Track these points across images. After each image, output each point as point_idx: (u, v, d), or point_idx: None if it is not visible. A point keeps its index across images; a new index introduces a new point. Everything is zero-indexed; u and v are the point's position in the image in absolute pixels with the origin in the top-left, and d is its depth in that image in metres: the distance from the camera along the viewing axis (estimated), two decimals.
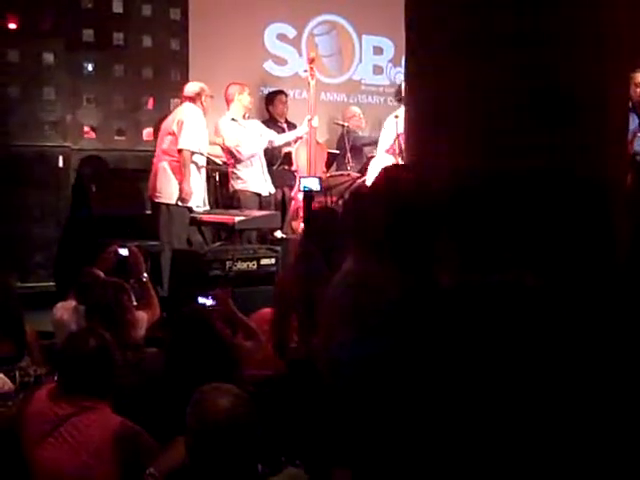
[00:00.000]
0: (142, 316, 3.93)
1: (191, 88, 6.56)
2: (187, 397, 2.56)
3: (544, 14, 2.71)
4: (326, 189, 6.59)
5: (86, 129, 7.42)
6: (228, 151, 6.87)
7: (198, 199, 6.47)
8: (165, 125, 6.53)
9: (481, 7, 2.75)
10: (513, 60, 2.72)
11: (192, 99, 6.48)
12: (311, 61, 7.27)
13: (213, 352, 2.94)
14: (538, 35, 2.71)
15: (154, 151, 6.68)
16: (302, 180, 5.52)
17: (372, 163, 7.24)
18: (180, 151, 6.31)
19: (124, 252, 4.35)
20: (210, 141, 6.75)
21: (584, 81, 2.76)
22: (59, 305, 4.11)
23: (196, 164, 6.45)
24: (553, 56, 2.72)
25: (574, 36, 2.73)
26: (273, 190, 7.09)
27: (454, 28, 2.81)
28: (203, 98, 6.50)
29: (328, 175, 7.15)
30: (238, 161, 6.85)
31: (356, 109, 8.00)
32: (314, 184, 5.13)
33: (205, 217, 6.51)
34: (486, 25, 2.74)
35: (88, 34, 7.39)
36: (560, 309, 1.66)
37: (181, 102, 6.66)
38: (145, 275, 4.30)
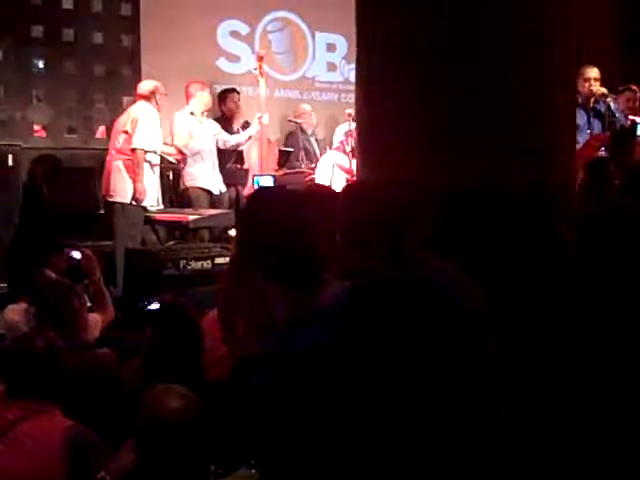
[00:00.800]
0: (95, 318, 3.89)
1: (145, 87, 6.52)
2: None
3: (481, 16, 2.73)
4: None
5: (36, 127, 7.31)
6: (177, 148, 6.85)
7: (152, 198, 6.43)
8: (119, 123, 6.47)
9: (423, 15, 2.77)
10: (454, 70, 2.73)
11: (147, 98, 6.44)
12: (260, 59, 7.26)
13: (192, 347, 2.94)
14: (477, 41, 2.73)
15: (107, 149, 6.62)
16: (256, 178, 5.52)
17: (321, 159, 7.28)
18: (134, 150, 6.26)
19: (77, 255, 4.30)
20: (164, 139, 6.72)
21: (527, 87, 2.78)
22: (10, 307, 4.07)
23: (150, 163, 6.41)
24: (495, 63, 2.75)
25: (511, 37, 2.76)
26: (224, 189, 7.08)
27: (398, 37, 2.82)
28: (158, 97, 6.47)
29: (282, 173, 7.16)
30: (184, 159, 6.83)
31: (306, 106, 7.99)
32: (268, 182, 5.14)
33: (159, 216, 6.47)
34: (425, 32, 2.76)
35: (37, 30, 7.27)
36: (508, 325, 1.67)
37: (135, 100, 6.61)
38: (99, 277, 4.26)
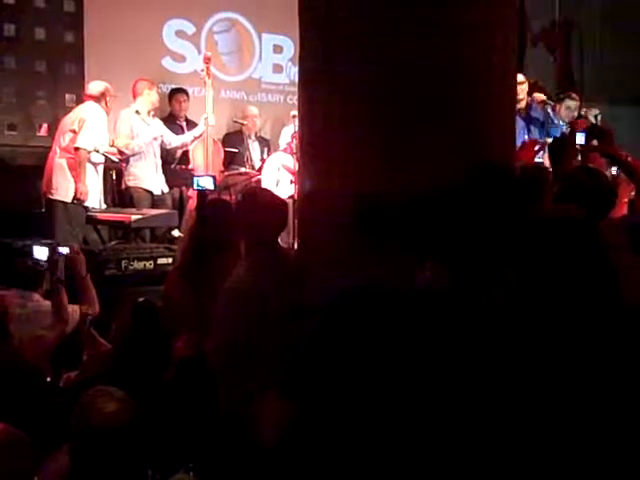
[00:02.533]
0: (74, 309, 3.91)
1: (96, 87, 6.47)
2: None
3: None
4: (224, 187, 6.58)
5: None
6: (117, 148, 6.79)
7: (94, 199, 6.39)
8: (65, 122, 6.41)
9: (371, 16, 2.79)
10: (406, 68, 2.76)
11: (96, 99, 6.40)
12: (207, 60, 7.22)
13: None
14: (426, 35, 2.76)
15: (49, 147, 6.52)
16: (196, 179, 5.48)
17: (267, 161, 7.28)
18: (77, 149, 6.21)
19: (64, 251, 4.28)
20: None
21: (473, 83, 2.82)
22: None
23: (93, 163, 6.36)
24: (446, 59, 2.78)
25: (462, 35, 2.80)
26: (167, 189, 7.04)
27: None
28: (108, 98, 6.44)
29: (226, 173, 7.13)
30: (126, 158, 6.77)
31: (254, 109, 7.96)
32: (208, 183, 5.10)
33: (101, 215, 6.41)
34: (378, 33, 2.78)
35: None
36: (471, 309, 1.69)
37: (83, 100, 6.55)
38: (86, 273, 4.25)
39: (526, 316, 1.64)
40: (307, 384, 1.65)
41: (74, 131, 6.24)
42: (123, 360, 3.07)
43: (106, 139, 6.48)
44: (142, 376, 2.93)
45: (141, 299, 3.45)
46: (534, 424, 1.54)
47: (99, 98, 6.40)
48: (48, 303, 4.12)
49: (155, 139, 6.91)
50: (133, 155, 6.78)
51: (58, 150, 6.32)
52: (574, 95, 7.20)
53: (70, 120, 6.35)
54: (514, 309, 1.67)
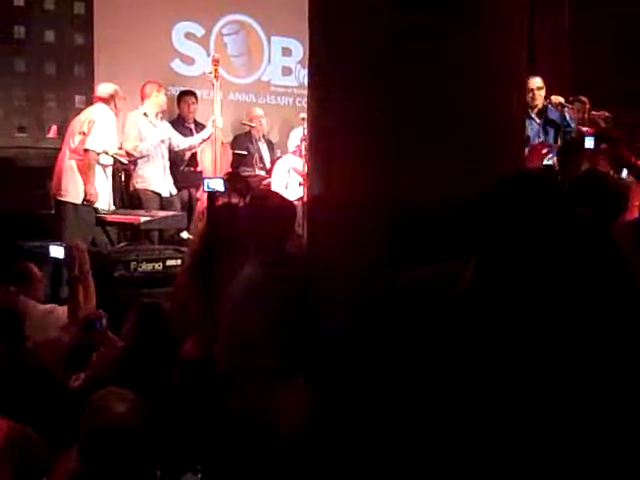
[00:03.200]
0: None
1: (105, 89, 6.48)
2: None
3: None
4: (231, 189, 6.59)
5: None
6: (125, 151, 6.81)
7: (103, 201, 6.40)
8: (75, 124, 6.41)
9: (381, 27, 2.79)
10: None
11: (105, 100, 6.41)
12: (216, 62, 7.24)
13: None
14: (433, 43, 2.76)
15: (59, 149, 6.54)
16: (206, 181, 5.51)
17: (277, 163, 7.29)
18: (86, 151, 6.23)
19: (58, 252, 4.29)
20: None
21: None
22: None
23: (102, 165, 6.37)
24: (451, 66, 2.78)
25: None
26: (175, 191, 7.05)
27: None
28: (117, 100, 6.45)
29: (229, 175, 7.13)
30: (134, 160, 6.79)
31: (259, 110, 7.96)
32: (218, 185, 5.11)
33: (110, 217, 6.42)
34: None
35: None
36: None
37: (93, 102, 6.56)
38: (88, 269, 4.25)
39: (547, 321, 1.63)
40: (336, 380, 1.65)
41: (83, 133, 6.26)
42: (129, 361, 3.08)
43: (115, 141, 6.50)
44: (149, 376, 2.94)
45: (147, 300, 3.46)
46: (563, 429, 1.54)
47: (108, 100, 6.41)
48: (50, 306, 4.13)
49: (163, 141, 6.92)
50: (141, 157, 6.80)
51: (68, 152, 6.34)
52: (583, 98, 7.19)
53: (79, 122, 6.36)
54: (536, 315, 1.65)
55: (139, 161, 6.81)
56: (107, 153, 6.38)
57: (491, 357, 1.57)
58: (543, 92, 6.83)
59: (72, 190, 6.25)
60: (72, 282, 4.11)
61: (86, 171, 6.21)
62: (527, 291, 1.59)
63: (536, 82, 6.75)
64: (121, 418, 2.05)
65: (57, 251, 4.34)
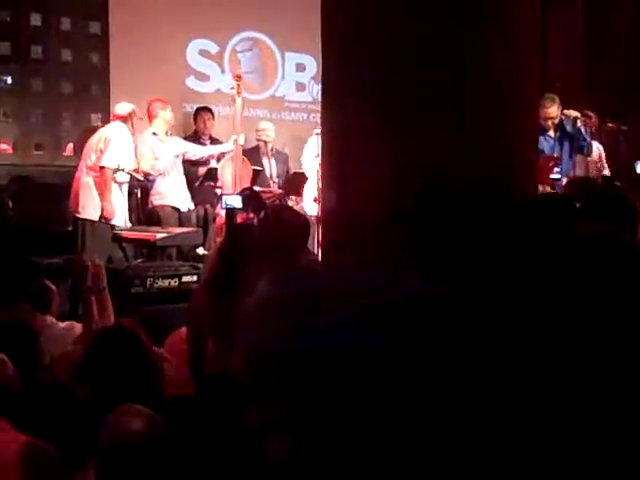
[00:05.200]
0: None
1: (123, 109, 6.54)
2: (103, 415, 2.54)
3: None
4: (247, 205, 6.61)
5: (4, 146, 7.27)
6: (144, 172, 6.84)
7: (120, 218, 6.43)
8: (92, 141, 6.45)
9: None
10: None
11: (123, 119, 6.48)
12: (237, 78, 7.28)
13: (140, 369, 2.91)
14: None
15: (75, 166, 6.59)
16: (224, 198, 5.54)
17: (306, 186, 7.24)
18: (102, 168, 6.27)
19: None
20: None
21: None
22: None
23: (119, 183, 6.41)
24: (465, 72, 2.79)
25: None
26: (192, 206, 7.08)
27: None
28: (134, 120, 6.51)
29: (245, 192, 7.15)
30: (151, 180, 6.83)
31: (265, 124, 7.92)
32: (236, 201, 5.16)
33: (126, 234, 6.45)
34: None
35: (4, 47, 7.28)
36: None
37: (110, 120, 6.62)
38: (104, 286, 4.27)
39: (570, 333, 1.63)
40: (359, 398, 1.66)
41: (100, 150, 6.30)
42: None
43: (132, 158, 6.53)
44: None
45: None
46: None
47: (126, 118, 6.47)
48: (68, 323, 4.15)
49: (177, 156, 6.96)
50: (159, 176, 6.83)
51: (85, 169, 6.38)
52: (590, 113, 7.17)
53: (96, 140, 6.41)
54: (558, 326, 1.65)
55: (157, 178, 6.84)
56: (123, 170, 6.42)
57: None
58: (555, 108, 6.81)
59: (89, 207, 6.29)
60: (84, 294, 4.13)
61: (103, 188, 6.26)
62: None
63: (547, 99, 6.73)
64: (137, 434, 2.05)
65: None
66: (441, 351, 1.60)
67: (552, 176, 6.19)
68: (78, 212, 6.34)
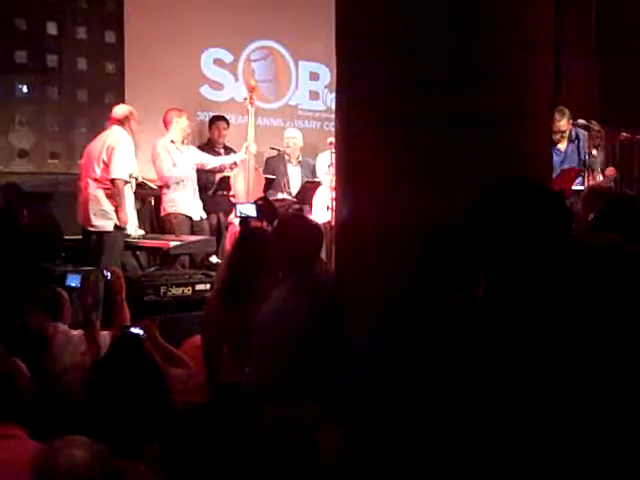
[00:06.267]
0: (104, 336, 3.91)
1: (120, 111, 6.40)
2: (114, 424, 2.54)
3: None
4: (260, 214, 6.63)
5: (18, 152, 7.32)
6: (159, 172, 6.84)
7: (131, 226, 6.39)
8: (92, 151, 6.30)
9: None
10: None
11: (120, 122, 6.32)
12: (252, 89, 7.31)
13: (145, 378, 2.91)
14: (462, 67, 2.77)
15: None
16: (238, 206, 5.56)
17: (316, 195, 7.27)
18: (113, 180, 6.16)
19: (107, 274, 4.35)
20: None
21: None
22: None
23: (127, 191, 6.35)
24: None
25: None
26: (204, 215, 7.09)
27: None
28: (132, 122, 6.36)
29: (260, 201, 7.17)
30: (166, 184, 6.84)
31: (292, 132, 7.96)
32: (250, 210, 5.17)
33: (140, 242, 6.46)
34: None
35: (21, 55, 7.32)
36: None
37: (109, 125, 6.44)
38: (122, 297, 4.28)
39: (575, 343, 1.62)
40: (368, 413, 1.65)
41: (104, 162, 6.17)
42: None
43: (135, 164, 6.40)
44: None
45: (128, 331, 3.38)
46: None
47: (123, 121, 6.32)
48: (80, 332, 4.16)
49: (195, 166, 6.99)
50: (176, 182, 6.84)
51: (91, 182, 6.24)
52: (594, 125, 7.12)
53: (97, 149, 6.26)
54: (563, 337, 1.65)
55: (172, 186, 6.86)
56: (137, 179, 6.42)
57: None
58: (565, 121, 6.80)
59: (100, 219, 6.22)
60: (86, 311, 4.15)
61: (117, 199, 6.17)
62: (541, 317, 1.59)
63: (557, 112, 6.71)
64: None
65: (74, 280, 4.37)
66: (456, 368, 1.59)
67: (574, 187, 6.17)
68: (91, 225, 6.24)
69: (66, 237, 6.68)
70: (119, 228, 6.23)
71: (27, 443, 2.57)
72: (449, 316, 1.69)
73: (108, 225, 6.21)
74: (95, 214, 6.24)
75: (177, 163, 6.85)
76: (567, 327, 1.62)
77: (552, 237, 1.63)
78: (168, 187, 6.85)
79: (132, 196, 6.46)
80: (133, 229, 6.44)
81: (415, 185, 2.73)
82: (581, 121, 6.92)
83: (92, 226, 6.26)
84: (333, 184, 6.31)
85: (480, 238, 1.68)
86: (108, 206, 6.22)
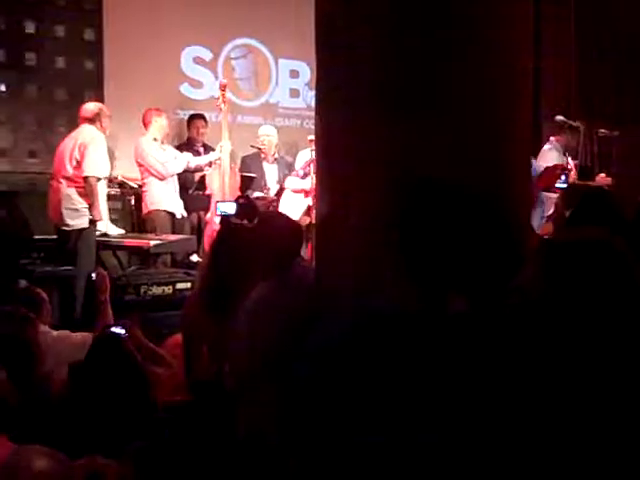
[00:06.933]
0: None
1: (90, 108, 6.30)
2: (96, 424, 2.54)
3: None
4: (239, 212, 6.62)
5: None
6: (153, 167, 6.81)
7: (105, 224, 6.34)
8: (64, 149, 6.21)
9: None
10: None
11: (91, 120, 6.22)
12: (223, 87, 7.29)
13: (126, 378, 2.92)
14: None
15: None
16: (218, 205, 5.55)
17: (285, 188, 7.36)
18: (86, 178, 6.08)
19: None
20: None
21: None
22: None
23: (101, 189, 6.26)
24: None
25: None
26: (185, 213, 7.09)
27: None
28: (102, 119, 6.27)
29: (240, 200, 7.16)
30: (161, 178, 6.82)
31: (266, 129, 7.91)
32: (230, 208, 5.16)
33: (120, 241, 6.43)
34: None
35: None
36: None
37: (80, 123, 6.32)
38: (106, 297, 4.27)
39: (552, 338, 1.64)
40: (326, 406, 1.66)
41: (76, 159, 6.10)
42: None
43: (108, 162, 6.33)
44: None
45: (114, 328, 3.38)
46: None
47: (94, 119, 6.22)
48: (62, 332, 4.14)
49: (175, 158, 6.98)
50: (170, 176, 6.85)
51: (63, 181, 6.17)
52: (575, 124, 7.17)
53: (69, 148, 6.17)
54: (540, 332, 1.67)
55: (152, 182, 6.83)
56: (116, 178, 6.39)
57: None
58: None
59: (74, 218, 6.14)
60: (100, 306, 4.17)
61: (90, 196, 6.08)
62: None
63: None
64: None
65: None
66: (433, 361, 1.60)
67: (558, 185, 6.21)
68: (65, 225, 6.16)
69: (45, 237, 6.64)
70: (93, 223, 6.14)
71: (6, 446, 2.56)
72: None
73: (83, 222, 6.13)
74: (68, 213, 6.15)
75: (163, 161, 6.84)
76: (552, 324, 1.64)
77: None
78: (150, 184, 6.81)
79: (105, 194, 6.38)
80: (106, 226, 6.36)
81: (391, 180, 2.75)
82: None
83: (66, 225, 6.17)
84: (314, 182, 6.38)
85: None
86: (81, 204, 6.13)
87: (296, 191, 7.14)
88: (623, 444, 1.56)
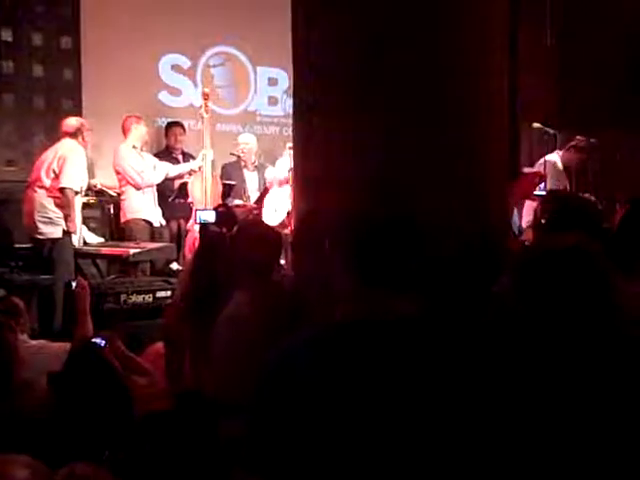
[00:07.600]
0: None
1: (71, 123, 6.36)
2: (76, 433, 2.52)
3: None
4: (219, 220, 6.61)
5: None
6: (129, 175, 6.79)
7: (79, 238, 6.33)
8: (44, 161, 6.24)
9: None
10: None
11: (73, 135, 6.27)
12: (206, 96, 7.29)
13: (106, 387, 2.90)
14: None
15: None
16: (198, 213, 5.55)
17: (266, 196, 7.34)
18: (63, 190, 6.10)
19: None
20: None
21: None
22: None
23: (77, 202, 6.26)
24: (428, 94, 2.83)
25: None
26: (164, 222, 7.08)
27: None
28: (85, 133, 6.33)
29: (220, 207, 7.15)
30: (137, 187, 6.80)
31: (245, 138, 7.94)
32: (210, 216, 5.16)
33: (99, 249, 6.42)
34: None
35: None
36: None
37: (61, 137, 6.35)
38: (86, 307, 4.23)
39: (527, 345, 1.66)
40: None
41: (54, 171, 6.13)
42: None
43: (86, 176, 6.37)
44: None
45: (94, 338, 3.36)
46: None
47: (75, 134, 6.28)
48: (40, 342, 4.11)
49: (154, 168, 6.96)
50: (147, 186, 6.82)
51: (39, 190, 6.18)
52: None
53: (48, 159, 6.20)
54: (513, 337, 1.68)
55: (130, 191, 6.82)
56: (95, 186, 6.37)
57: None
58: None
59: (48, 226, 6.14)
60: (80, 316, 4.12)
61: (67, 208, 6.09)
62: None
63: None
64: None
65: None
66: (408, 364, 1.62)
67: (536, 192, 6.25)
68: (37, 233, 6.17)
69: (24, 245, 6.60)
70: (67, 233, 6.15)
71: None
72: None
73: (56, 232, 6.14)
74: (42, 221, 6.16)
75: (140, 170, 6.82)
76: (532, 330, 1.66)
77: None
78: (128, 193, 6.80)
79: (80, 206, 6.37)
80: (79, 240, 6.35)
81: (367, 188, 2.77)
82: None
83: (40, 233, 6.17)
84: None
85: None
86: (55, 213, 6.14)
87: (282, 183, 7.11)
88: (598, 452, 1.58)
